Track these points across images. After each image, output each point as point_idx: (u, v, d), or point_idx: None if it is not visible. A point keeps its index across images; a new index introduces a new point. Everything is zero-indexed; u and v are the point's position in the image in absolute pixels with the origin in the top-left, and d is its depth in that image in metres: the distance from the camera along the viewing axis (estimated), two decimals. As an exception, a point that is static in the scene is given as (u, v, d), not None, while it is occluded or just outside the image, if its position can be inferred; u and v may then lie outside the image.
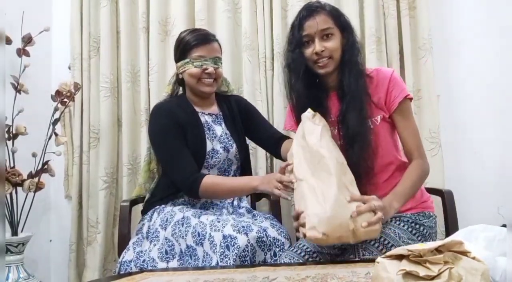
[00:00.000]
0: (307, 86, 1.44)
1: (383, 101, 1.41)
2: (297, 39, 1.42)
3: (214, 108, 1.69)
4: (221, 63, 1.62)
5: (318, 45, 1.38)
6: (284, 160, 1.56)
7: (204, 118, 1.63)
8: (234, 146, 1.63)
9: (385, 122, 1.43)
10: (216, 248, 1.27)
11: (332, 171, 1.18)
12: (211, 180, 1.46)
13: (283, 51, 1.52)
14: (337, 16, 1.43)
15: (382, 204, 1.19)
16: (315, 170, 1.21)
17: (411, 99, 1.45)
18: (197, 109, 1.63)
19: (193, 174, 1.47)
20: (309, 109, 1.32)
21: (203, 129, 1.59)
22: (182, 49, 1.58)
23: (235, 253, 1.24)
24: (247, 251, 1.25)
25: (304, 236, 1.14)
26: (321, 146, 1.23)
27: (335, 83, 1.45)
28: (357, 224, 1.13)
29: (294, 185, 1.24)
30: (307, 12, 1.41)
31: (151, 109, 1.67)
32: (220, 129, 1.64)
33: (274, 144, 1.64)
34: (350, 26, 1.45)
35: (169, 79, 1.75)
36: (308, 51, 1.40)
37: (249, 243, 1.26)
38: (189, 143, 1.54)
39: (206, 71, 1.55)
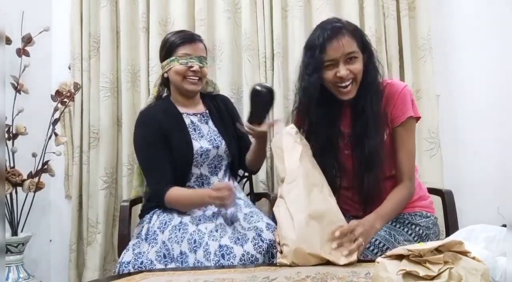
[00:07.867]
0: (319, 104, 1.36)
1: (388, 117, 1.38)
2: (318, 62, 1.31)
3: (200, 108, 1.69)
4: (207, 63, 1.63)
5: (342, 70, 1.29)
6: (248, 168, 1.74)
7: (189, 119, 1.63)
8: (223, 142, 1.63)
9: (390, 136, 1.40)
10: (210, 256, 1.28)
11: (308, 193, 1.22)
12: (174, 193, 1.49)
13: (298, 73, 1.41)
14: (360, 37, 1.36)
15: (364, 228, 1.21)
16: (290, 189, 1.25)
17: (418, 118, 1.41)
18: (182, 110, 1.63)
19: (162, 185, 1.51)
20: (291, 125, 1.33)
21: (187, 131, 1.59)
22: (168, 48, 1.59)
23: (231, 262, 1.26)
24: (244, 260, 1.27)
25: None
26: (298, 166, 1.27)
27: (351, 101, 1.38)
28: (331, 254, 1.16)
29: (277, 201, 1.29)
30: (332, 32, 1.30)
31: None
32: (206, 128, 1.64)
33: (244, 150, 1.69)
34: (370, 45, 1.39)
35: (154, 82, 1.76)
36: (330, 74, 1.32)
37: (245, 252, 1.28)
38: (174, 146, 1.55)
39: (192, 69, 1.56)
